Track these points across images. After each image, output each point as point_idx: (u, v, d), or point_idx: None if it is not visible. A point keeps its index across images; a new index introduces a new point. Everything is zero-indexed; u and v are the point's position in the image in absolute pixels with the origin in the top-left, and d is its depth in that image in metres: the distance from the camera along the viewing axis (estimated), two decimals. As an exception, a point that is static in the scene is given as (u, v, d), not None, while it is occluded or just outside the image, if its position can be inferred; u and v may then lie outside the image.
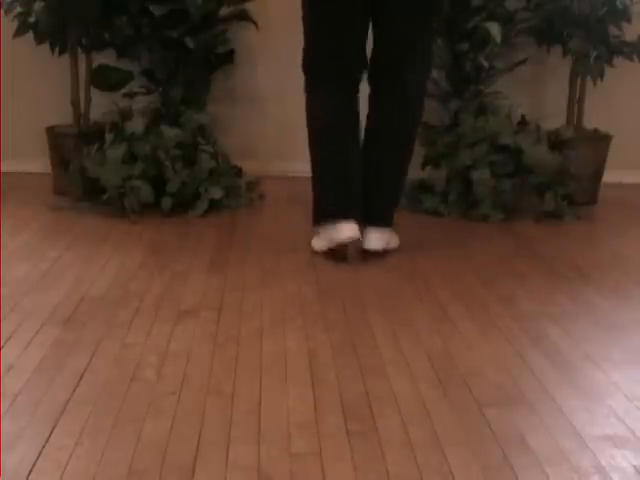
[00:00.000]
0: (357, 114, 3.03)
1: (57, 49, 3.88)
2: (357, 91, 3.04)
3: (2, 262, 2.90)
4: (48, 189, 3.90)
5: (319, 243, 3.07)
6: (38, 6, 3.77)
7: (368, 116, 3.06)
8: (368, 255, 3.01)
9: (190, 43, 3.79)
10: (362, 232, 2.98)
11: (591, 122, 4.12)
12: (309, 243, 3.18)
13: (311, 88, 3.05)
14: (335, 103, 3.01)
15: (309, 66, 3.05)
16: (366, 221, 3.01)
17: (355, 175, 3.00)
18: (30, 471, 1.65)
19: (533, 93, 4.34)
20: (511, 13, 3.87)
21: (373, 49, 3.04)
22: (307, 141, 3.04)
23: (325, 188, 3.02)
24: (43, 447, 1.73)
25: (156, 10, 3.73)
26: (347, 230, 2.93)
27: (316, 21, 2.99)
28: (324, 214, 3.00)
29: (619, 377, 2.13)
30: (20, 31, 3.82)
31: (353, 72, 3.02)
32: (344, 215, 2.95)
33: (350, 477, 1.66)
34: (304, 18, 3.01)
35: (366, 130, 3.05)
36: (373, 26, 3.01)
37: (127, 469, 1.66)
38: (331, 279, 2.83)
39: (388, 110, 3.02)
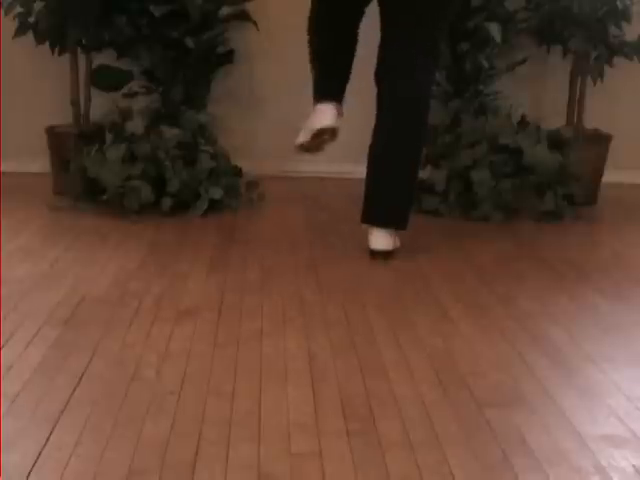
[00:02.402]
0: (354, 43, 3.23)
1: (57, 49, 3.88)
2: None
3: (2, 262, 2.90)
4: (48, 189, 3.90)
5: (301, 135, 3.24)
6: (38, 6, 3.77)
7: (376, 116, 3.06)
8: (375, 255, 3.02)
9: (190, 43, 3.79)
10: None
11: (591, 122, 4.12)
12: (309, 243, 3.18)
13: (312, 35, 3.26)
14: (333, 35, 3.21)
15: (311, 27, 3.24)
16: (371, 221, 3.01)
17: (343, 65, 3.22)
18: (30, 471, 1.64)
19: (533, 93, 4.34)
20: (511, 13, 3.87)
21: (380, 49, 3.07)
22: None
23: (315, 77, 3.25)
24: (43, 447, 1.73)
25: (156, 10, 3.73)
26: (321, 118, 3.14)
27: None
28: (313, 97, 3.23)
29: (619, 377, 2.13)
30: (20, 31, 3.82)
31: (350, 25, 3.19)
32: (321, 97, 3.18)
33: (350, 477, 1.65)
34: None
35: (374, 130, 3.05)
36: (381, 25, 3.05)
37: (127, 469, 1.66)
38: (331, 279, 2.83)
39: (394, 110, 3.01)
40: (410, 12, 2.96)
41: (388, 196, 3.00)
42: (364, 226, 3.05)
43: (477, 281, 2.84)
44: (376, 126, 3.05)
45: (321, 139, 3.18)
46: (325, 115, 3.14)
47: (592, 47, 3.82)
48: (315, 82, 3.26)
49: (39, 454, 1.70)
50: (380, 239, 3.01)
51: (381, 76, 3.06)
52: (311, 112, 3.22)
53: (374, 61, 3.08)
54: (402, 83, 3.01)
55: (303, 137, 3.23)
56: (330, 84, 3.22)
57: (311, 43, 3.26)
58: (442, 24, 3.04)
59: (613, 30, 3.85)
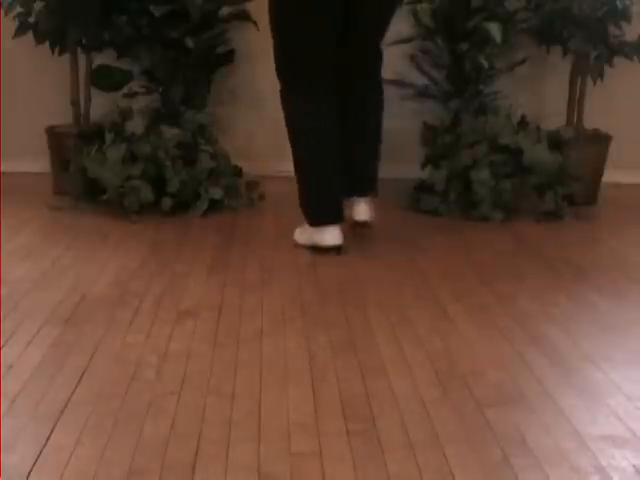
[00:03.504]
0: (336, 113, 3.10)
1: (57, 49, 3.88)
2: (333, 92, 3.10)
3: (2, 262, 2.90)
4: (48, 189, 3.91)
5: (302, 237, 3.16)
6: (38, 6, 3.78)
7: (348, 109, 3.17)
8: (359, 227, 3.19)
9: (190, 43, 3.80)
10: (351, 206, 3.18)
11: (591, 122, 4.12)
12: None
13: (287, 93, 3.14)
14: (312, 108, 3.09)
15: (283, 72, 3.12)
16: (355, 193, 3.17)
17: (338, 175, 3.07)
18: (30, 471, 1.65)
19: (533, 93, 4.34)
20: (511, 13, 3.87)
21: (344, 50, 3.10)
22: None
23: (310, 191, 3.08)
24: (43, 447, 1.73)
25: (156, 10, 3.73)
26: (331, 237, 3.04)
27: (287, 28, 3.02)
28: (310, 217, 3.08)
29: (619, 377, 2.13)
30: (20, 31, 3.83)
31: (327, 76, 3.08)
32: (330, 221, 3.04)
33: (350, 477, 1.66)
34: (272, 23, 3.05)
35: (347, 123, 3.17)
36: (344, 28, 3.06)
37: (127, 469, 1.66)
38: (331, 279, 2.83)
39: (372, 109, 3.21)
40: (377, 17, 3.08)
41: (374, 169, 3.24)
42: (349, 201, 3.16)
43: (477, 280, 2.85)
44: (352, 120, 3.17)
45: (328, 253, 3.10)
46: (333, 234, 3.06)
47: (592, 47, 3.82)
48: (309, 197, 3.07)
49: (39, 454, 1.71)
50: (366, 209, 3.18)
51: (352, 79, 3.16)
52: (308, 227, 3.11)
53: None
54: (372, 86, 3.21)
55: (304, 240, 3.14)
56: (333, 203, 3.05)
57: (290, 117, 3.17)
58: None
59: (613, 30, 3.85)
